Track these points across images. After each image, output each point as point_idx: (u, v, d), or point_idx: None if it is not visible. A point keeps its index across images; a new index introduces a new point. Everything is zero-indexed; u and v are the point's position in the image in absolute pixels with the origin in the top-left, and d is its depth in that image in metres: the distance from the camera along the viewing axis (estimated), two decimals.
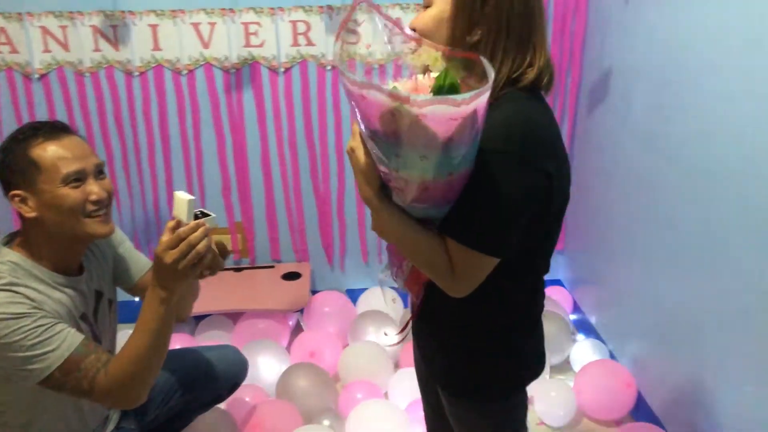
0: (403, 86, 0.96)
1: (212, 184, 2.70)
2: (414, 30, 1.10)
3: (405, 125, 0.89)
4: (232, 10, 2.43)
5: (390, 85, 0.96)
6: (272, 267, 2.82)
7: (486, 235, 1.03)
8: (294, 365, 2.30)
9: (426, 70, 1.01)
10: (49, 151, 1.34)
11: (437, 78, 0.94)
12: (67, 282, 1.43)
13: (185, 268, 1.27)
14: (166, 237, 1.27)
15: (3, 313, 1.25)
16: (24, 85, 2.46)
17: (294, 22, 2.47)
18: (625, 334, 2.36)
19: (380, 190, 1.05)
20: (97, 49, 2.43)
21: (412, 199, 1.00)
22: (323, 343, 2.45)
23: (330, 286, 2.88)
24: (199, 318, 2.60)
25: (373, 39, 2.31)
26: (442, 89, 0.92)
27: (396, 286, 1.28)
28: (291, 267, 2.81)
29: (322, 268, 2.90)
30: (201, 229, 1.28)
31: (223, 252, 1.44)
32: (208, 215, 1.33)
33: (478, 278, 1.07)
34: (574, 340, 2.54)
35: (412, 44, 1.03)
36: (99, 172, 1.42)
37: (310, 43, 2.51)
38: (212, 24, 2.44)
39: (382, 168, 1.00)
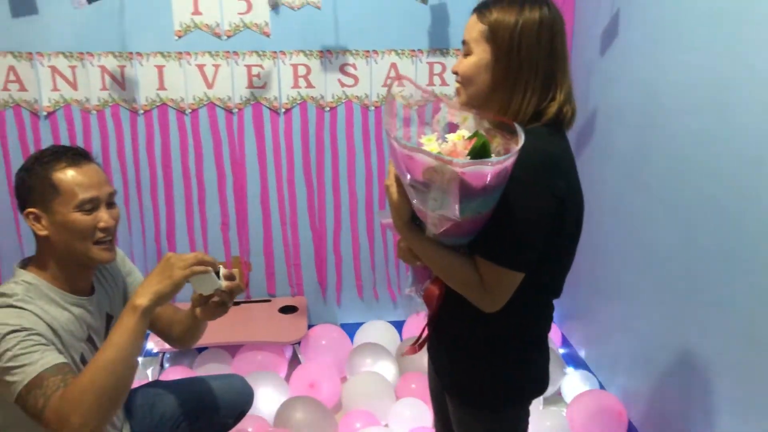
0: (441, 147, 1.10)
1: (212, 220, 2.77)
2: (456, 74, 1.25)
3: (445, 179, 1.04)
4: (236, 53, 2.55)
5: (421, 138, 1.13)
6: (269, 301, 2.87)
7: (509, 252, 1.15)
8: (292, 398, 2.33)
9: (453, 127, 1.16)
10: (69, 175, 1.40)
11: (475, 142, 1.08)
12: (77, 301, 1.47)
13: (178, 264, 1.33)
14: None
15: (3, 324, 1.27)
16: (31, 122, 2.53)
17: (295, 65, 2.59)
18: (614, 366, 2.45)
19: (410, 221, 1.19)
20: (104, 88, 2.52)
21: (443, 232, 1.13)
22: (322, 375, 2.50)
23: (325, 320, 2.93)
24: (198, 350, 2.63)
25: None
26: (476, 149, 1.07)
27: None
28: (287, 301, 2.86)
29: (317, 302, 2.96)
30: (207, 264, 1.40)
31: (237, 290, 1.54)
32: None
33: (507, 293, 1.19)
34: (564, 373, 2.61)
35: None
36: (111, 201, 1.48)
37: (309, 86, 2.63)
38: (216, 66, 2.55)
39: (418, 207, 1.13)
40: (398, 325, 2.91)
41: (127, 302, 1.33)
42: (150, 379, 2.55)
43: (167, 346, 2.10)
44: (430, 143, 1.11)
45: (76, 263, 1.46)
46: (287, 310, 2.80)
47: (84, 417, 1.18)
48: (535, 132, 1.16)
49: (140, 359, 2.30)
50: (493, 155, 1.08)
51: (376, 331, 2.81)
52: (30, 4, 2.38)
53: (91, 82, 2.51)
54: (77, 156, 1.44)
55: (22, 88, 2.48)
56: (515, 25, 1.17)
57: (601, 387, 2.51)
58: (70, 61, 2.47)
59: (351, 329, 2.88)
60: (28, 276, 1.41)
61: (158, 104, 2.58)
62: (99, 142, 2.59)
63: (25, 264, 1.48)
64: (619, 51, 2.27)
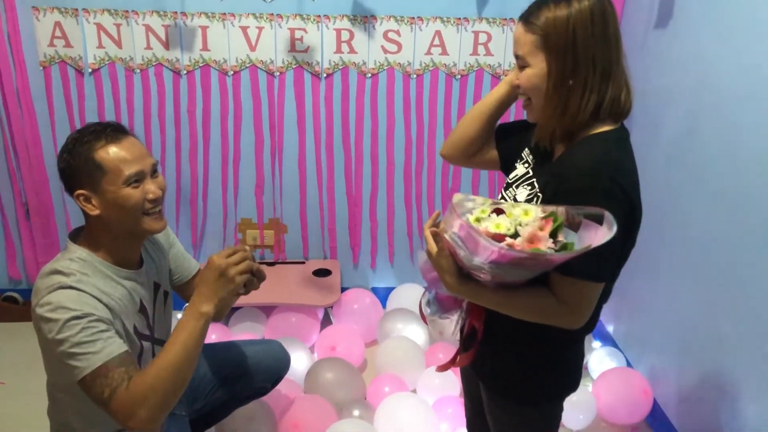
0: (520, 230, 1.08)
1: (247, 182, 2.80)
2: (519, 87, 1.23)
3: (528, 262, 1.06)
4: (279, 16, 2.53)
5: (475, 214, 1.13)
6: (303, 263, 2.93)
7: (595, 266, 1.13)
8: (321, 359, 2.40)
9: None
10: (112, 153, 1.40)
11: (554, 224, 1.08)
12: (129, 275, 1.51)
13: (235, 275, 1.37)
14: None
15: (64, 308, 1.31)
16: (76, 78, 2.55)
17: (338, 30, 2.57)
18: (644, 344, 2.48)
19: (460, 276, 1.17)
20: (148, 47, 2.52)
21: (498, 285, 1.14)
22: (344, 339, 2.56)
23: (356, 284, 2.99)
24: (234, 309, 2.71)
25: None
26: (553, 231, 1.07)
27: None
28: (321, 264, 2.92)
29: (349, 266, 3.01)
30: (249, 248, 1.44)
31: (259, 276, 1.50)
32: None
33: (592, 306, 1.19)
34: (591, 348, 2.65)
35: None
36: (154, 171, 1.50)
37: (352, 51, 2.60)
38: (260, 28, 2.54)
39: (477, 273, 1.13)
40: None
41: (191, 306, 1.37)
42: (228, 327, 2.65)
43: None
44: (486, 219, 1.10)
45: (128, 237, 1.49)
46: (321, 273, 2.85)
47: (151, 411, 1.29)
48: (604, 138, 1.16)
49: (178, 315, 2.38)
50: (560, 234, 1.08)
51: (409, 294, 2.85)
52: None
53: (136, 41, 2.51)
54: (116, 132, 1.44)
55: (68, 45, 2.49)
56: (567, 23, 1.12)
57: (628, 364, 2.54)
58: (115, 18, 2.47)
59: (380, 293, 2.94)
60: (82, 252, 1.44)
61: (201, 65, 2.58)
62: (141, 100, 2.61)
63: (76, 236, 1.50)
64: (673, 30, 2.21)
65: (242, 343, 2.02)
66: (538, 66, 1.17)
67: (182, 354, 1.32)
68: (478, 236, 1.05)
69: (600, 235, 1.04)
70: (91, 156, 1.40)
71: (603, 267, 1.15)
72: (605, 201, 1.09)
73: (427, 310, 1.40)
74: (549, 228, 1.07)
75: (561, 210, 1.09)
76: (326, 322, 2.79)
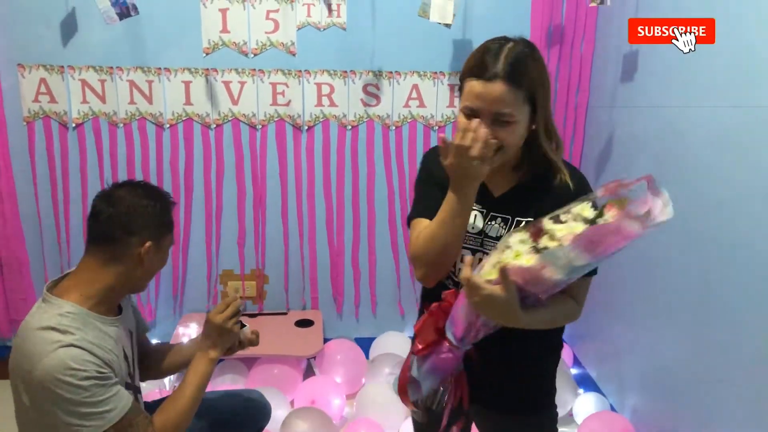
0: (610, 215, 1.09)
1: (229, 233, 2.81)
2: (501, 146, 1.17)
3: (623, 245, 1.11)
4: (261, 71, 2.60)
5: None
6: (285, 314, 2.91)
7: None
8: (296, 409, 2.36)
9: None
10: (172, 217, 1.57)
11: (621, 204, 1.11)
12: (112, 322, 1.51)
13: (232, 327, 1.62)
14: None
15: (72, 370, 1.31)
16: (59, 133, 2.58)
17: (319, 84, 2.64)
18: (626, 388, 2.48)
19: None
20: (132, 102, 2.57)
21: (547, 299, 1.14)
22: (325, 391, 2.53)
23: (339, 334, 2.97)
24: None
25: None
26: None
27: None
28: (303, 314, 2.90)
29: (332, 316, 3.00)
30: (237, 301, 1.67)
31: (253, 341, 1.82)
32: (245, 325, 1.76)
33: None
34: (576, 394, 2.64)
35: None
36: None
37: (332, 104, 2.68)
38: (242, 83, 2.61)
39: (545, 291, 1.10)
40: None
41: (200, 352, 1.61)
42: (168, 389, 2.59)
43: None
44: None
45: (128, 290, 1.55)
46: (303, 323, 2.84)
47: None
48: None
49: None
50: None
51: (390, 342, 2.86)
52: (70, 23, 2.44)
53: (120, 96, 2.56)
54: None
55: (53, 100, 2.54)
56: (545, 70, 1.18)
57: (612, 409, 2.54)
58: (100, 75, 2.53)
59: (365, 343, 2.92)
60: (69, 306, 1.42)
61: (184, 119, 2.63)
62: (125, 154, 2.64)
63: (51, 288, 1.48)
64: (638, 82, 2.31)
65: (222, 393, 2.00)
66: (523, 120, 1.17)
67: (196, 393, 1.55)
68: (624, 222, 1.08)
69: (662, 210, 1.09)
70: (170, 213, 1.54)
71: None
72: None
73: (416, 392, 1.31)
74: (616, 208, 1.09)
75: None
76: (310, 373, 2.76)
